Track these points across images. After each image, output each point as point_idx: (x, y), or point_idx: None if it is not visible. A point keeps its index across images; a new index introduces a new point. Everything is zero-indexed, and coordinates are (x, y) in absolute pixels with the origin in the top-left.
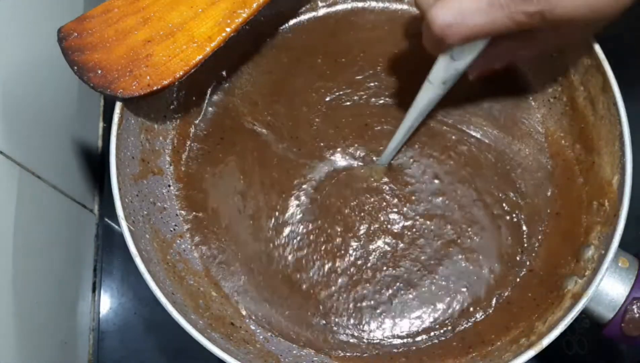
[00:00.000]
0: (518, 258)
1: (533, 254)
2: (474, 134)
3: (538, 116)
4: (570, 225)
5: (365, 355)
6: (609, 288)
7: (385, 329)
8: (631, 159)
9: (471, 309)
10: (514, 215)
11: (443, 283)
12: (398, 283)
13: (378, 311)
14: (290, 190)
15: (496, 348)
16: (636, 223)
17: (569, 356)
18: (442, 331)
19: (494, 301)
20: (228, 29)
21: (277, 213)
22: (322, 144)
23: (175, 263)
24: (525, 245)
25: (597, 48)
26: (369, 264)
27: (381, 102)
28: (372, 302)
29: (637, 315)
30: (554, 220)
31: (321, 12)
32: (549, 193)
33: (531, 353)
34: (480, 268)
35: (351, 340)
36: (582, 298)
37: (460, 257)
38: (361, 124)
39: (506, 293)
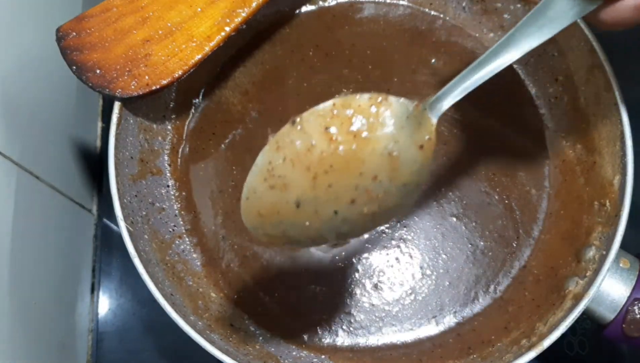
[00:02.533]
0: (514, 244)
1: (529, 248)
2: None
3: (539, 116)
4: (571, 225)
5: (364, 356)
6: (610, 289)
7: (384, 330)
8: (632, 159)
9: (467, 301)
10: (504, 197)
11: (440, 276)
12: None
13: (376, 312)
14: None
15: (497, 350)
16: (637, 223)
17: (570, 357)
18: (441, 330)
19: (489, 294)
20: (227, 29)
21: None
22: None
23: (175, 264)
24: (521, 231)
25: (598, 48)
26: (364, 255)
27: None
28: (371, 302)
29: (639, 315)
30: (553, 220)
31: (319, 7)
32: (547, 193)
33: (532, 354)
34: (473, 253)
35: (350, 342)
36: (583, 299)
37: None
38: None
39: (500, 288)
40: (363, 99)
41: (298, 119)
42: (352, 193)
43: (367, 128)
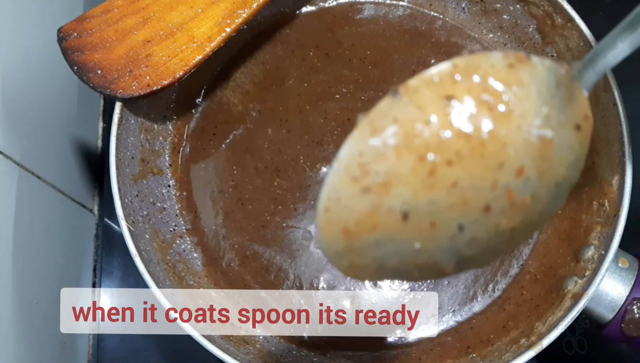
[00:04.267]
0: None
1: (527, 247)
2: None
3: None
4: (570, 225)
5: (364, 355)
6: (609, 289)
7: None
8: (631, 159)
9: (466, 300)
10: None
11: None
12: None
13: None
14: (285, 167)
15: (496, 349)
16: (636, 223)
17: (568, 356)
18: (440, 329)
19: (488, 293)
20: (228, 29)
21: (279, 191)
22: (312, 128)
23: (175, 264)
24: None
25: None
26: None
27: (365, 96)
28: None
29: (637, 315)
30: (552, 220)
31: (320, 7)
32: None
33: (531, 353)
34: None
35: (350, 341)
36: (582, 298)
37: None
38: (345, 118)
39: (499, 287)
40: (496, 57)
41: (403, 89)
42: (487, 195)
43: (509, 97)
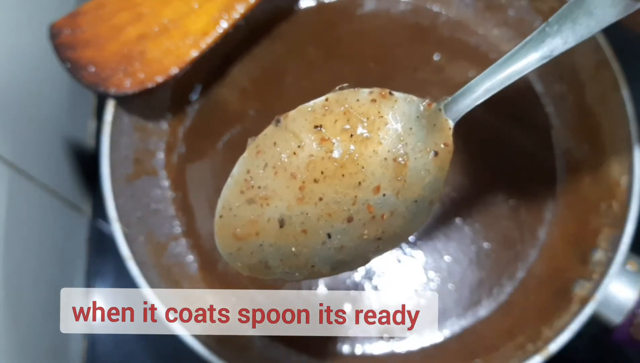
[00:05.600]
0: (519, 245)
1: (533, 249)
2: None
3: (545, 115)
4: (577, 226)
5: (365, 361)
6: (617, 292)
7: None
8: None
9: (471, 305)
10: (509, 197)
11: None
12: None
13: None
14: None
15: (501, 354)
16: None
17: (576, 361)
18: (444, 334)
19: (493, 297)
20: (224, 25)
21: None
22: None
23: (170, 267)
24: (525, 232)
25: (606, 47)
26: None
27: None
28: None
29: None
30: (558, 222)
31: (319, 2)
32: (553, 193)
33: (537, 359)
34: (477, 254)
35: (350, 348)
36: (590, 302)
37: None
38: None
39: (504, 291)
40: (362, 93)
41: (283, 118)
42: (348, 208)
43: (367, 127)
